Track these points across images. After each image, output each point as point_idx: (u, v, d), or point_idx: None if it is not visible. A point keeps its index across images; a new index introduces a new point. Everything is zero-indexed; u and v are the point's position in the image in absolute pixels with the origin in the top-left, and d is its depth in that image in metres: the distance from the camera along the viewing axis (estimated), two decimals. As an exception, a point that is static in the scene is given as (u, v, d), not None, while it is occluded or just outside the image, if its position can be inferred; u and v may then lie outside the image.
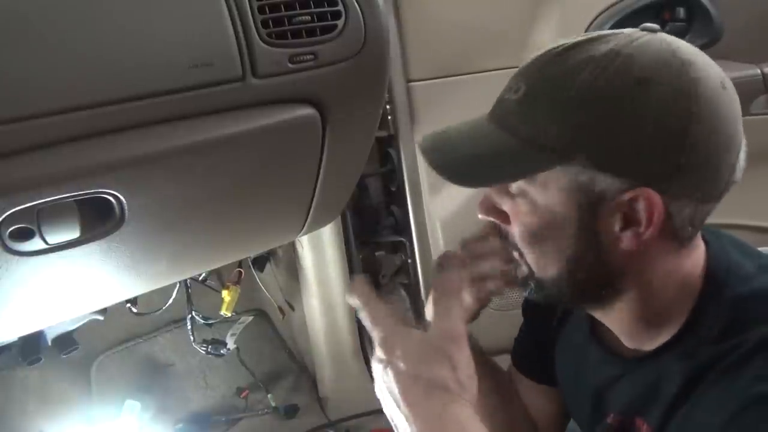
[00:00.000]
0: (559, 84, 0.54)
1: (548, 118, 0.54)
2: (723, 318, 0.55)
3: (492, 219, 0.62)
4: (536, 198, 0.57)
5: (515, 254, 0.62)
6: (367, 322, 0.57)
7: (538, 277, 0.61)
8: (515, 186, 0.58)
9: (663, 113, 0.51)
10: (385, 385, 0.53)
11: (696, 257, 0.59)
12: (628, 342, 0.64)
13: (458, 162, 0.59)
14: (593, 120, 0.52)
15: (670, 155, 0.51)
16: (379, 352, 0.54)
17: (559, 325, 0.77)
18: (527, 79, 0.57)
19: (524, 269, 0.62)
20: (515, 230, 0.60)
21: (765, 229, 1.37)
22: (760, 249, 0.65)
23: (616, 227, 0.54)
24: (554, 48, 0.57)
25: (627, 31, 0.55)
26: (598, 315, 0.64)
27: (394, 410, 0.52)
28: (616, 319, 0.62)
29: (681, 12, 1.28)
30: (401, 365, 0.52)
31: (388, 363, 0.53)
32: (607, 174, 0.52)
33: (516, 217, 0.59)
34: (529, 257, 0.60)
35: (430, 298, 0.58)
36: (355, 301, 0.58)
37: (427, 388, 0.51)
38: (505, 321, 1.40)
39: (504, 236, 0.62)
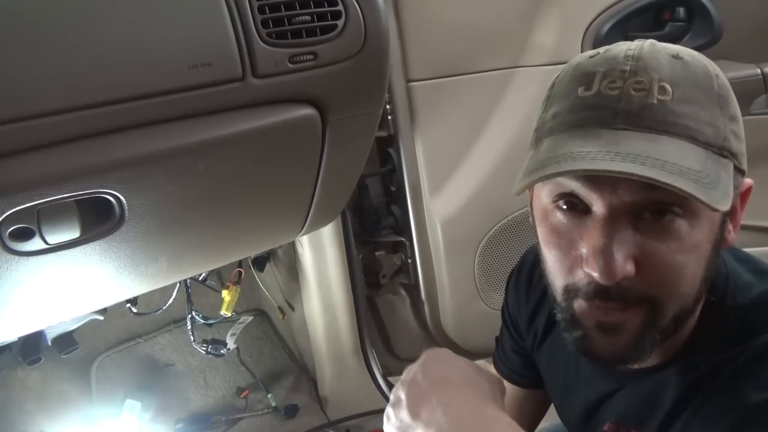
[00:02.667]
0: (703, 80, 0.49)
1: (714, 117, 0.49)
2: (724, 329, 0.54)
3: (628, 273, 0.48)
4: (704, 215, 0.48)
5: (621, 313, 0.50)
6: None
7: (667, 321, 0.51)
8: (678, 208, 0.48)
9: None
10: (405, 404, 0.53)
11: None
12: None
13: (693, 179, 0.45)
14: (734, 114, 0.51)
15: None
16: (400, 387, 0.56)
17: (544, 333, 0.74)
18: (664, 78, 0.48)
19: (637, 327, 0.51)
20: (668, 270, 0.49)
21: (765, 229, 1.37)
22: (757, 249, 0.64)
23: (728, 225, 0.53)
24: (649, 47, 0.51)
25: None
26: None
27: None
28: None
29: (681, 12, 1.28)
30: (429, 370, 0.55)
31: (414, 377, 0.55)
32: (742, 168, 0.51)
33: (675, 251, 0.48)
34: (674, 297, 0.50)
35: None
36: None
37: (460, 389, 0.53)
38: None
39: (625, 294, 0.50)
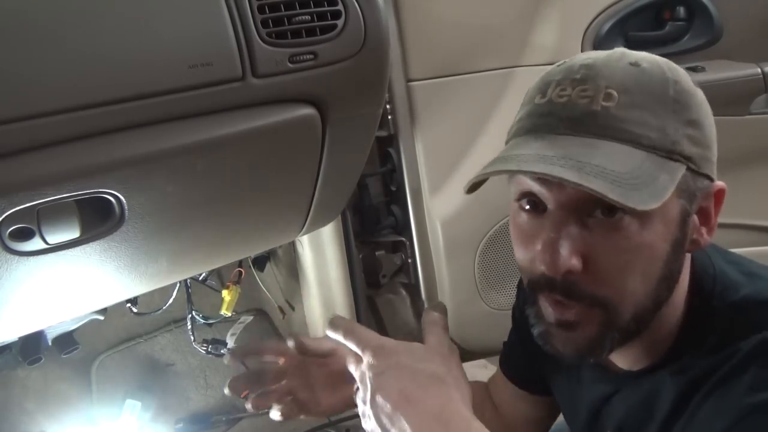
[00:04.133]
0: (657, 86, 0.51)
1: (663, 122, 0.50)
2: (713, 329, 0.55)
3: (572, 266, 0.50)
4: (654, 215, 0.49)
5: (575, 314, 0.52)
6: (354, 346, 0.55)
7: (625, 322, 0.52)
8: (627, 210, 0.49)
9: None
10: (378, 393, 0.51)
11: (685, 266, 0.58)
12: (621, 362, 0.63)
13: (621, 183, 0.47)
14: (693, 119, 0.51)
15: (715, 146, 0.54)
16: (372, 363, 0.53)
17: None
18: (612, 85, 0.50)
19: (594, 327, 0.52)
20: (614, 268, 0.51)
21: (765, 229, 1.37)
22: (757, 249, 0.65)
23: (696, 228, 0.53)
24: (604, 57, 0.53)
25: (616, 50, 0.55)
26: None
27: (387, 417, 0.50)
28: (627, 346, 0.58)
29: (681, 11, 1.28)
30: (404, 361, 0.52)
31: (387, 366, 0.52)
32: (700, 172, 0.52)
33: (621, 248, 0.50)
34: (626, 296, 0.52)
35: (424, 328, 0.59)
36: (337, 332, 0.57)
37: (428, 381, 0.51)
38: (504, 320, 1.40)
39: (572, 290, 0.52)
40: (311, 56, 0.74)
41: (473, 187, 0.57)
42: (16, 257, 0.65)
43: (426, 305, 1.40)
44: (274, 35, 0.71)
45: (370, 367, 0.53)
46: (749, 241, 1.25)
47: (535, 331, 0.57)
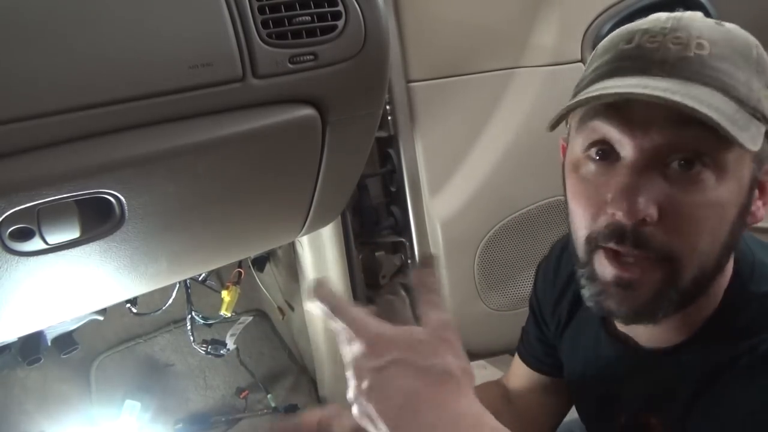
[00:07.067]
0: (742, 46, 0.50)
1: (749, 80, 0.49)
2: (747, 315, 0.54)
3: (650, 215, 0.48)
4: (731, 172, 0.48)
5: (639, 269, 0.51)
6: (342, 330, 0.47)
7: (687, 283, 0.51)
8: (698, 164, 0.48)
9: None
10: (379, 394, 0.44)
11: None
12: (646, 340, 0.61)
13: (722, 114, 0.46)
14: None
15: None
16: (369, 356, 0.45)
17: (568, 318, 0.74)
18: (703, 36, 0.49)
19: (654, 285, 0.50)
20: (688, 222, 0.49)
21: (765, 230, 1.37)
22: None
23: (757, 198, 0.52)
24: (688, 15, 0.52)
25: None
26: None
27: (390, 421, 0.43)
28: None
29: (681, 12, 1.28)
30: (408, 357, 0.44)
31: (388, 362, 0.44)
32: None
33: (698, 203, 0.49)
34: (693, 256, 0.50)
35: (417, 295, 0.52)
36: (321, 307, 0.48)
37: (437, 380, 0.44)
38: (504, 321, 1.41)
39: (643, 241, 0.50)
40: (311, 57, 0.74)
41: (555, 125, 0.54)
42: (16, 257, 0.65)
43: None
44: (274, 36, 0.71)
45: (366, 358, 0.45)
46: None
47: (587, 293, 0.54)
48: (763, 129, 0.50)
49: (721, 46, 0.49)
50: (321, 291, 0.48)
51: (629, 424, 0.64)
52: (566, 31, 1.27)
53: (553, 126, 0.53)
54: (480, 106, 1.29)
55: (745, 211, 0.52)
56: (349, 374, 0.46)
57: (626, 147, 0.50)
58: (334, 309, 0.48)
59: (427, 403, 0.43)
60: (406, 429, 0.43)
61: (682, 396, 0.56)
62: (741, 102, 0.48)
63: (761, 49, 0.52)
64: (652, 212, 0.48)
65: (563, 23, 1.26)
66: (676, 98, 0.45)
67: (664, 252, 0.50)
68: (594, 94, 0.49)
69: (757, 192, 0.53)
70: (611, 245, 0.51)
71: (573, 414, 0.82)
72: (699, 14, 0.53)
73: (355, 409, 0.46)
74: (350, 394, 0.46)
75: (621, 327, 0.64)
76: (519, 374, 0.87)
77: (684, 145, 0.48)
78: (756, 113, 0.49)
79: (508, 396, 0.88)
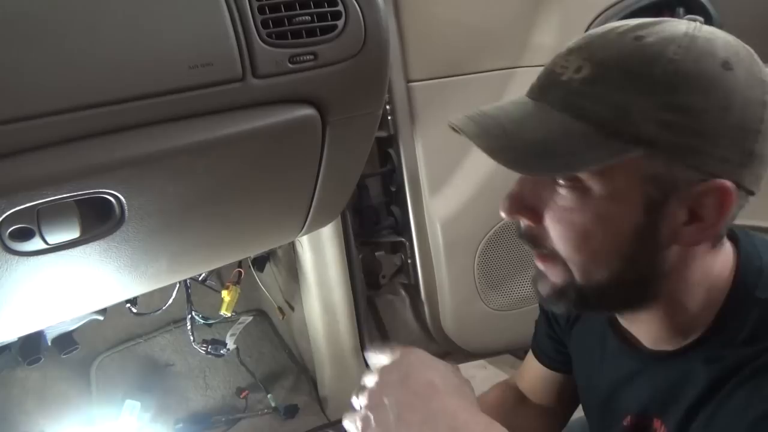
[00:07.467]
0: (640, 64, 0.49)
1: (627, 101, 0.48)
2: (752, 321, 0.54)
3: (523, 219, 0.56)
4: (595, 190, 0.51)
5: (541, 263, 0.57)
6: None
7: (581, 285, 0.55)
8: (564, 178, 0.52)
9: (746, 98, 0.48)
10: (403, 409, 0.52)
11: (725, 256, 0.57)
12: (649, 343, 0.62)
13: (520, 148, 0.51)
14: (680, 104, 0.47)
15: (747, 143, 0.49)
16: (381, 379, 0.56)
17: (577, 315, 0.75)
18: (591, 58, 0.50)
19: (556, 280, 0.56)
20: (557, 230, 0.54)
21: (765, 230, 1.37)
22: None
23: (680, 222, 0.51)
24: (616, 27, 0.52)
25: (675, 19, 0.53)
26: (626, 320, 0.62)
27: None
28: (643, 322, 0.59)
29: (681, 12, 1.28)
30: (411, 375, 0.54)
31: (396, 381, 0.54)
32: (685, 163, 0.49)
33: (562, 214, 0.53)
34: (574, 261, 0.54)
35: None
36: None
37: (454, 392, 0.53)
38: (504, 321, 1.41)
39: (533, 240, 0.56)
40: (311, 57, 0.74)
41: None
42: (16, 257, 0.65)
43: (426, 305, 1.40)
44: (274, 36, 0.71)
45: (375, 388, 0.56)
46: None
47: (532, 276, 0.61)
48: (633, 151, 0.48)
49: (608, 67, 0.49)
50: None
51: (634, 425, 0.64)
52: (566, 31, 1.27)
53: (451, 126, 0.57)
54: (480, 106, 1.29)
55: (646, 232, 0.51)
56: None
57: None
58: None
59: (411, 407, 0.51)
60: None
61: (686, 401, 0.56)
62: (600, 125, 0.49)
63: (679, 65, 0.48)
64: (526, 215, 0.55)
65: (563, 23, 1.26)
66: (465, 128, 0.53)
67: (553, 251, 0.55)
68: (455, 120, 0.55)
69: (684, 215, 0.51)
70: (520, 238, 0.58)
71: (574, 413, 0.83)
72: (624, 28, 0.51)
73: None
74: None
75: (624, 326, 0.64)
76: (532, 369, 0.87)
77: None
78: (624, 135, 0.48)
79: (522, 396, 0.89)
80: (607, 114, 0.49)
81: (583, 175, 0.50)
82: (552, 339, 0.81)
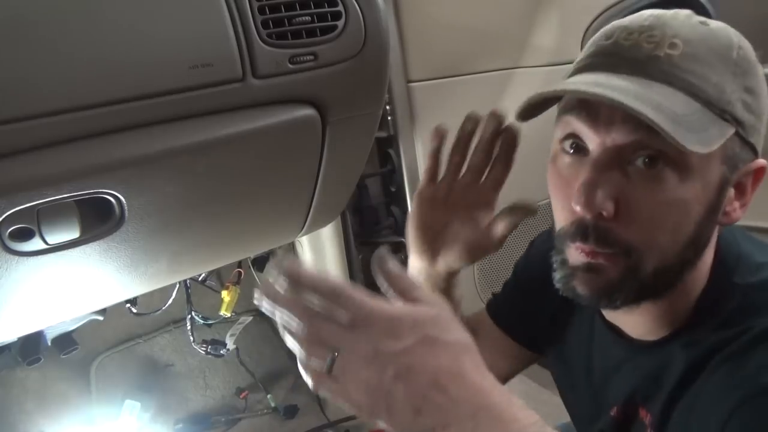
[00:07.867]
0: (720, 46, 0.51)
1: (722, 81, 0.50)
2: (729, 305, 0.55)
3: (606, 209, 0.51)
4: (697, 170, 0.50)
5: (603, 258, 0.52)
6: (328, 314, 0.42)
7: (647, 273, 0.52)
8: (668, 159, 0.49)
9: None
10: (409, 378, 0.40)
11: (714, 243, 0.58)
12: (635, 331, 0.62)
13: (669, 116, 0.47)
14: (752, 86, 0.51)
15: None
16: (391, 341, 0.40)
17: (564, 304, 0.69)
18: (679, 35, 0.50)
19: (615, 274, 0.53)
20: (637, 214, 0.51)
21: (765, 230, 1.37)
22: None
23: (731, 200, 0.54)
24: (675, 11, 0.53)
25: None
26: (614, 312, 0.61)
27: (422, 400, 0.39)
28: (634, 314, 0.58)
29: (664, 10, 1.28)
30: (435, 334, 0.41)
31: (417, 342, 0.40)
32: (749, 141, 0.52)
33: (647, 197, 0.50)
34: (654, 248, 0.52)
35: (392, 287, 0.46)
36: (296, 287, 0.43)
37: (463, 352, 0.42)
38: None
39: (605, 235, 0.52)
40: (311, 57, 0.74)
41: (524, 115, 0.55)
42: (16, 257, 0.65)
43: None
44: (274, 36, 0.71)
45: (388, 342, 0.41)
46: None
47: (557, 275, 0.57)
48: (729, 131, 0.50)
49: (696, 46, 0.50)
50: (299, 271, 0.43)
51: (620, 417, 0.64)
52: (566, 31, 1.27)
53: (519, 116, 0.56)
54: (480, 107, 1.28)
55: (713, 211, 0.53)
56: (358, 365, 0.41)
57: (591, 143, 0.53)
58: (333, 293, 0.42)
59: (453, 378, 0.40)
60: (432, 410, 0.39)
61: (668, 386, 0.56)
62: (708, 103, 0.49)
63: (744, 51, 0.52)
64: (608, 207, 0.50)
65: (563, 23, 1.26)
66: (619, 97, 0.47)
67: (624, 247, 0.52)
68: (549, 89, 0.51)
69: (733, 192, 0.54)
70: (578, 243, 0.53)
71: (559, 420, 0.82)
72: (684, 13, 0.53)
73: (367, 403, 0.41)
74: (363, 389, 0.41)
75: (609, 318, 0.64)
76: (486, 332, 0.84)
77: (647, 144, 0.49)
78: (724, 115, 0.50)
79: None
80: (711, 92, 0.50)
81: (682, 159, 0.49)
82: (525, 308, 0.79)
